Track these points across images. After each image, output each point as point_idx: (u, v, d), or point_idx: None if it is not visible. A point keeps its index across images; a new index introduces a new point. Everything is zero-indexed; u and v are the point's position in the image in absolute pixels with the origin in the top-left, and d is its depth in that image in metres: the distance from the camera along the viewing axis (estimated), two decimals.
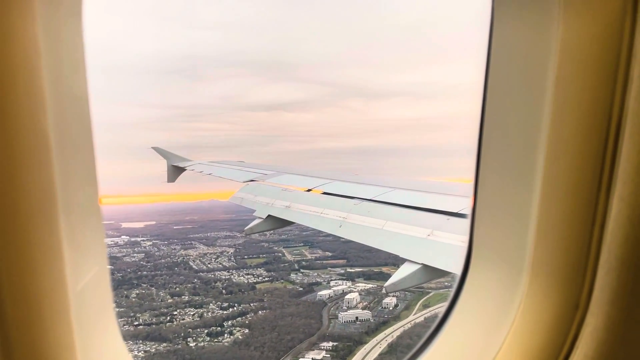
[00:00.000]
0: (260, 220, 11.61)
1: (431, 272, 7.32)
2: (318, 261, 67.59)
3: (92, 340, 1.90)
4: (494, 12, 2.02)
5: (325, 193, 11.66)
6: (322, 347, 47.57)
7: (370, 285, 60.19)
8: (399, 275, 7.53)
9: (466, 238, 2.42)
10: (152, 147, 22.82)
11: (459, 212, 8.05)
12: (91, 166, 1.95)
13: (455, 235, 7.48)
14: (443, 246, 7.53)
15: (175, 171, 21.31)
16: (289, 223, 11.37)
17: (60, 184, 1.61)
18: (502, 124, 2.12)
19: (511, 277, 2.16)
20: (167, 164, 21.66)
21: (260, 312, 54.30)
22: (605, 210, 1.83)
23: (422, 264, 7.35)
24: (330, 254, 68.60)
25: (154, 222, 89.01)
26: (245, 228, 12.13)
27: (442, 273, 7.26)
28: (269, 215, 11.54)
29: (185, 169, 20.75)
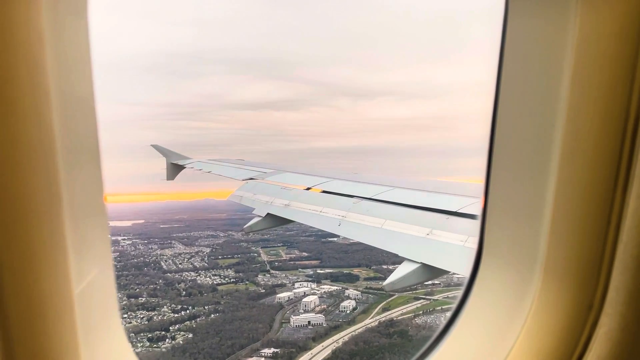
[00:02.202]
0: (259, 218, 11.40)
1: (430, 271, 7.18)
2: (291, 262, 66.52)
3: (96, 341, 1.86)
4: (508, 7, 1.95)
5: (324, 192, 11.51)
6: (263, 354, 45.72)
7: (335, 287, 59.18)
8: (397, 274, 7.35)
9: (476, 236, 2.33)
10: (152, 145, 22.48)
11: (459, 211, 7.91)
12: (96, 164, 1.89)
13: (455, 235, 7.37)
14: (442, 245, 7.39)
15: (174, 169, 20.96)
16: (288, 221, 11.19)
17: (65, 183, 1.57)
18: (516, 121, 2.04)
19: (523, 276, 2.09)
20: (166, 161, 21.33)
21: (212, 315, 52.50)
22: (621, 208, 1.77)
23: (420, 263, 7.20)
24: (306, 254, 67.84)
25: (142, 221, 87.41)
26: (245, 226, 11.96)
27: (441, 272, 7.18)
28: (268, 214, 11.33)
29: (185, 167, 20.43)
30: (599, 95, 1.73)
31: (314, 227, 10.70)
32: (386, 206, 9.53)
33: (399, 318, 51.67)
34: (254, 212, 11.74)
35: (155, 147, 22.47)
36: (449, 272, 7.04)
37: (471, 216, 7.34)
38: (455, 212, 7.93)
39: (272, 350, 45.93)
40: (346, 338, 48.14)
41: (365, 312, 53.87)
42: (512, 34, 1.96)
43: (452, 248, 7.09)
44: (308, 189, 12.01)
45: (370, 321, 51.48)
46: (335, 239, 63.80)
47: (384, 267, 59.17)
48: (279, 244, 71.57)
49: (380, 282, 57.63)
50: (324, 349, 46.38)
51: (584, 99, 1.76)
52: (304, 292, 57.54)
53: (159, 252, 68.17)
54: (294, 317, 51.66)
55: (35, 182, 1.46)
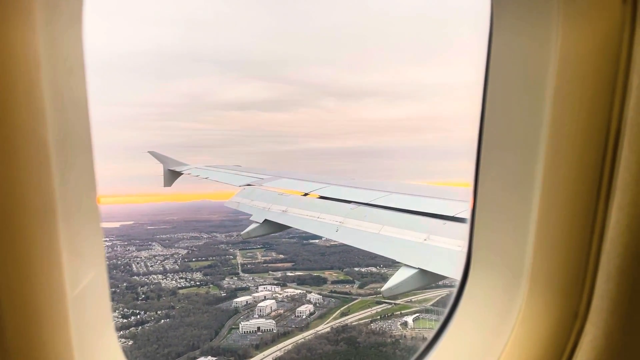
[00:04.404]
0: (256, 224, 11.11)
1: (428, 277, 7.00)
2: (264, 264, 64.33)
3: (89, 345, 1.83)
4: (493, 23, 1.98)
5: (321, 197, 11.24)
6: None
7: (299, 291, 56.90)
8: (395, 279, 7.17)
9: (465, 245, 2.34)
10: (148, 152, 21.93)
11: (456, 216, 7.74)
12: (90, 171, 1.88)
13: (452, 240, 7.19)
14: (440, 250, 7.21)
15: (172, 175, 20.56)
16: (286, 227, 10.97)
17: (59, 189, 1.57)
18: (502, 133, 2.07)
19: (510, 285, 2.10)
20: (163, 168, 20.95)
21: (161, 321, 49.39)
22: (604, 219, 1.79)
23: (418, 268, 7.01)
24: (282, 256, 65.80)
25: (131, 222, 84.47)
26: (242, 232, 11.71)
27: (439, 277, 7.00)
28: (265, 220, 11.04)
29: (182, 173, 20.08)
30: (581, 108, 1.75)
31: (307, 232, 10.43)
32: (384, 212, 9.29)
33: (353, 324, 49.81)
34: (251, 219, 11.45)
35: (152, 153, 22.10)
36: (447, 277, 6.79)
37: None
38: (453, 217, 7.73)
39: (209, 358, 43.41)
40: (290, 346, 45.95)
41: (322, 317, 51.92)
42: (497, 50, 1.99)
43: (449, 253, 6.87)
44: (305, 194, 11.77)
45: (323, 327, 49.49)
46: (316, 240, 62.78)
47: (356, 269, 58.69)
48: (258, 246, 69.39)
49: (347, 285, 56.82)
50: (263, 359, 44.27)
51: (566, 111, 1.78)
52: (264, 296, 55.28)
53: (135, 254, 65.90)
54: (244, 323, 49.23)
55: (29, 189, 1.45)
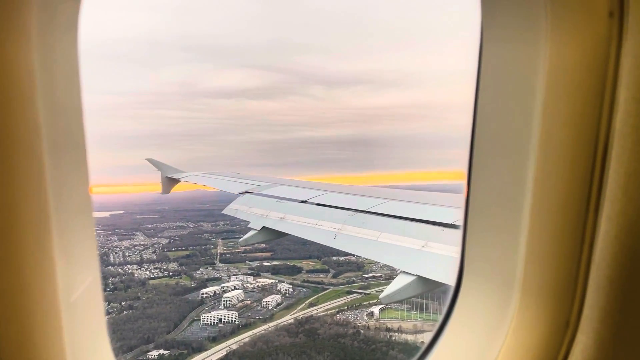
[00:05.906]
0: (255, 231, 10.96)
1: (426, 284, 6.88)
2: (243, 254, 62.14)
3: (83, 351, 1.81)
4: (483, 36, 1.98)
5: (319, 204, 11.06)
6: (147, 357, 40.55)
7: (270, 281, 55.52)
8: (394, 286, 7.09)
9: (458, 255, 2.33)
10: (146, 159, 21.55)
11: (454, 223, 7.62)
12: (84, 177, 1.86)
13: (450, 247, 7.08)
14: (437, 257, 7.10)
15: (170, 182, 20.36)
16: (284, 235, 10.76)
17: (53, 197, 1.56)
18: (492, 144, 2.06)
19: (502, 295, 2.10)
20: (161, 175, 20.72)
21: (124, 312, 47.38)
22: (593, 229, 1.80)
23: (416, 275, 6.91)
24: (263, 246, 63.64)
25: (121, 212, 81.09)
26: (240, 240, 11.73)
27: (437, 284, 6.84)
28: (263, 227, 10.87)
29: (180, 180, 19.92)
30: (570, 121, 1.76)
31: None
32: (381, 219, 9.17)
33: (319, 314, 48.49)
34: (249, 226, 11.28)
35: (150, 160, 21.83)
36: (445, 284, 6.59)
37: None
38: (450, 224, 7.60)
39: (162, 352, 41.11)
40: (248, 339, 44.04)
41: (289, 307, 50.60)
42: (486, 62, 1.99)
43: (447, 260, 6.77)
44: (303, 202, 11.57)
45: (287, 318, 48.02)
46: None
47: (334, 258, 57.65)
48: (241, 235, 68.01)
49: (321, 275, 56.09)
50: (207, 357, 42.07)
51: (555, 124, 1.79)
52: (234, 287, 53.56)
53: (115, 243, 63.79)
54: (206, 315, 47.33)
55: (23, 198, 1.45)
